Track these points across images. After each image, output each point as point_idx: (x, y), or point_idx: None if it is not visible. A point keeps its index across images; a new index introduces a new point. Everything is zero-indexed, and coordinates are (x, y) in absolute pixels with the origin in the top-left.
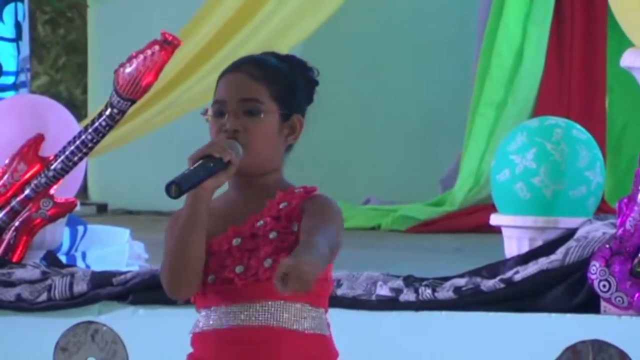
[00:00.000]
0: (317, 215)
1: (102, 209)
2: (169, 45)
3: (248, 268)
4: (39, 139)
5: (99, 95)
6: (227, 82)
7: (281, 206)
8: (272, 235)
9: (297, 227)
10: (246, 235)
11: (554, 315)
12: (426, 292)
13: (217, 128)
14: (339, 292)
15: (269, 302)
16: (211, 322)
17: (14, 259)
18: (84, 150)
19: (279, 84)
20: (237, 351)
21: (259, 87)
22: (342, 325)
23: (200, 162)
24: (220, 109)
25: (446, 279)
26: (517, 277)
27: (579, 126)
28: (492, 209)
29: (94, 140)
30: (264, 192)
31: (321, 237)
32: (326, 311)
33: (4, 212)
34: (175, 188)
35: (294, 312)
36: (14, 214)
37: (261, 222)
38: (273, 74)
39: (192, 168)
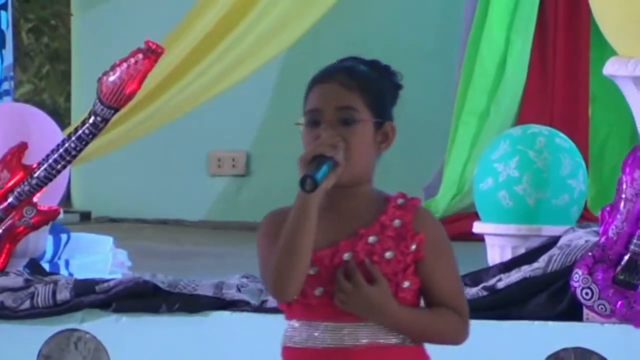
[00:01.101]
0: (446, 256)
1: (85, 217)
2: (152, 53)
3: None
4: (22, 147)
5: (82, 103)
6: (320, 91)
7: (396, 224)
8: (387, 254)
9: (415, 247)
10: (358, 250)
11: (536, 323)
12: None
13: (312, 137)
14: None
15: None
16: (310, 338)
17: None
18: (68, 158)
19: (371, 91)
20: None
21: (353, 96)
22: None
23: (317, 160)
24: (315, 118)
25: None
26: (500, 285)
27: (561, 134)
28: (475, 217)
29: (78, 149)
30: (362, 203)
31: (464, 305)
32: None
33: None
34: (310, 182)
35: None
36: None
37: (374, 237)
38: (365, 82)
39: (316, 165)
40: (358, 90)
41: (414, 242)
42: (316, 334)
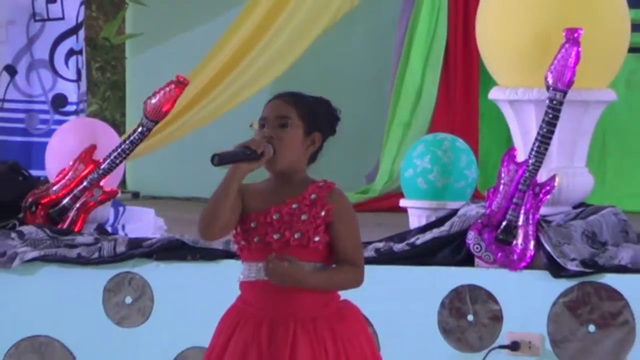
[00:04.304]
0: (348, 222)
1: (135, 195)
2: (181, 84)
3: (283, 236)
4: (92, 148)
5: (133, 118)
6: (269, 105)
7: (312, 197)
8: (303, 216)
9: (324, 213)
10: (283, 213)
11: (442, 268)
12: None
13: (260, 135)
14: None
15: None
16: (253, 274)
17: (76, 230)
18: (123, 155)
19: (305, 108)
20: (271, 297)
21: (289, 108)
22: None
23: (242, 148)
24: (263, 123)
25: (369, 243)
26: (418, 242)
27: (460, 139)
28: (401, 195)
29: (130, 149)
30: (296, 183)
31: (358, 256)
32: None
33: (69, 197)
34: (217, 159)
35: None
36: (75, 199)
37: (296, 205)
38: (301, 101)
39: (233, 150)
40: (294, 105)
41: (324, 209)
42: (255, 270)
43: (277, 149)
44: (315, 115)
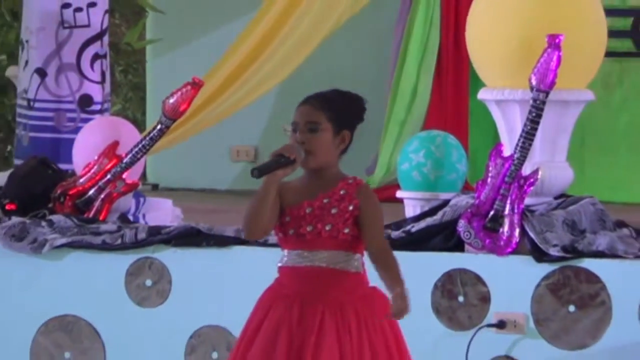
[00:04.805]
0: (376, 219)
1: (155, 187)
2: (196, 85)
3: (315, 228)
4: (115, 143)
5: (152, 117)
6: (299, 111)
7: (342, 192)
8: (333, 210)
9: (352, 207)
10: (315, 207)
11: (435, 253)
12: None
13: (292, 139)
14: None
15: (325, 251)
16: (291, 260)
17: (101, 218)
18: (144, 150)
19: (333, 110)
20: (303, 281)
21: (318, 113)
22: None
23: (276, 157)
24: (294, 127)
25: None
26: (413, 230)
27: (452, 136)
28: (398, 187)
29: (150, 145)
30: (328, 179)
31: (390, 253)
32: (362, 256)
33: (94, 189)
34: (257, 172)
35: (340, 257)
36: (100, 190)
37: (327, 200)
38: (328, 104)
39: (269, 160)
40: (322, 110)
41: (351, 204)
42: (291, 257)
43: (310, 151)
44: (342, 115)
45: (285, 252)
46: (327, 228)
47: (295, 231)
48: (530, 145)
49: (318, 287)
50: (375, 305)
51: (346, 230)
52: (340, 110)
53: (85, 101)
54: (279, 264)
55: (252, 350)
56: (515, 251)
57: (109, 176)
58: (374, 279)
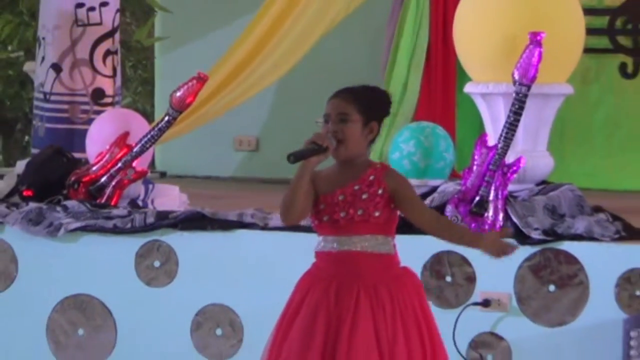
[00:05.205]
0: (412, 196)
1: (162, 174)
2: (201, 80)
3: (347, 214)
4: (126, 134)
5: (160, 109)
6: (330, 103)
7: (371, 178)
8: (364, 196)
9: (381, 191)
10: (347, 194)
11: (425, 236)
12: None
13: (324, 129)
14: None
15: (358, 236)
16: (327, 246)
17: (112, 204)
18: (152, 140)
19: (362, 103)
20: (339, 264)
21: (348, 106)
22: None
23: (309, 145)
24: (326, 119)
25: None
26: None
27: (440, 127)
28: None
29: (158, 135)
30: (357, 167)
31: (445, 218)
32: (393, 238)
33: (106, 176)
34: (293, 158)
35: (373, 240)
36: (111, 177)
37: (357, 187)
38: (358, 97)
39: (303, 147)
40: (352, 102)
41: (381, 188)
42: (327, 242)
43: (341, 140)
44: (371, 108)
45: (321, 238)
46: (359, 213)
47: (330, 217)
48: (513, 135)
49: (353, 269)
50: (407, 284)
51: (376, 214)
52: (369, 103)
53: (98, 94)
54: (316, 250)
55: (291, 332)
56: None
57: (119, 164)
58: (404, 260)
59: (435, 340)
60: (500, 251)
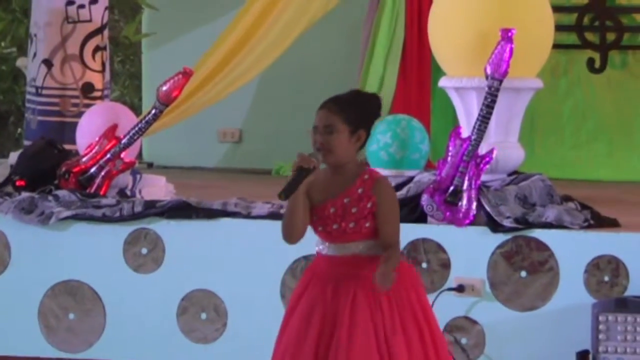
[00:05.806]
0: (390, 210)
1: (150, 165)
2: (186, 74)
3: (340, 226)
4: (114, 126)
5: (147, 102)
6: (318, 115)
7: (359, 191)
8: (353, 209)
9: (370, 205)
10: (337, 206)
11: (401, 224)
12: None
13: (313, 140)
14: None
15: (351, 243)
16: (325, 250)
17: (101, 193)
18: (140, 132)
19: (348, 113)
20: (336, 267)
21: (334, 117)
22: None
23: (296, 172)
24: (315, 130)
25: None
26: None
27: (415, 120)
28: (367, 165)
29: (145, 128)
30: (346, 174)
31: (395, 239)
32: None
33: (95, 167)
34: (284, 195)
35: (367, 245)
36: (101, 168)
37: (347, 199)
38: (344, 108)
39: (291, 179)
40: (338, 114)
41: (370, 202)
42: (324, 245)
43: (329, 151)
44: (357, 116)
45: (321, 242)
46: (351, 225)
47: (324, 228)
48: (486, 127)
49: (349, 271)
50: (403, 278)
51: (367, 225)
52: (355, 112)
53: (88, 88)
54: (317, 248)
55: (288, 327)
56: (473, 222)
57: (108, 155)
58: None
59: (434, 331)
60: (383, 281)
